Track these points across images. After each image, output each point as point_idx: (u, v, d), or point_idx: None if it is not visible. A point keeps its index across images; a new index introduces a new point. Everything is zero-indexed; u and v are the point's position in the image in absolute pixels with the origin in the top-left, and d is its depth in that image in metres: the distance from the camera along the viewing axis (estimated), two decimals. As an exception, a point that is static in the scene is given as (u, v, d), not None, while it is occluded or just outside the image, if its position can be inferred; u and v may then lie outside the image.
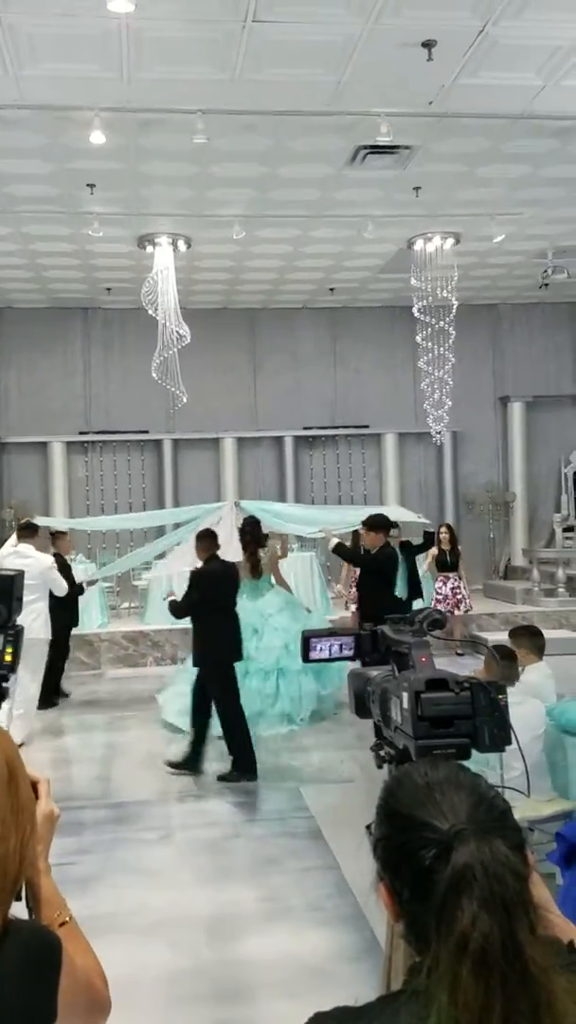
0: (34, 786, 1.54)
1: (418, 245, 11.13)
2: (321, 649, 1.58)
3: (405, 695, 1.37)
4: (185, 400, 11.29)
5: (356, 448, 14.77)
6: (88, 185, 8.95)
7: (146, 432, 14.23)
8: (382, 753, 1.53)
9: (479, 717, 1.37)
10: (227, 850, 5.34)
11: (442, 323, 11.33)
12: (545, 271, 12.31)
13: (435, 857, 1.04)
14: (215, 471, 14.38)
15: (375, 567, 7.40)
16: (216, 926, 4.42)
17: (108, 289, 13.09)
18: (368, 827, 1.28)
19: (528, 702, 4.78)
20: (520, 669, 5.31)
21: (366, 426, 14.64)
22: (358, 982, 4.06)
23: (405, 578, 9.74)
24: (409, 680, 1.38)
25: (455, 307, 11.20)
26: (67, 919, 1.43)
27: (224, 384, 14.36)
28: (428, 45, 5.28)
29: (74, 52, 5.68)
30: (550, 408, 15.06)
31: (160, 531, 13.26)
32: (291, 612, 8.22)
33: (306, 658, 1.64)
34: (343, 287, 13.48)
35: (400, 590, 8.89)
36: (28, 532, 7.89)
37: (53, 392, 14.16)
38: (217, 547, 6.80)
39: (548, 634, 12.31)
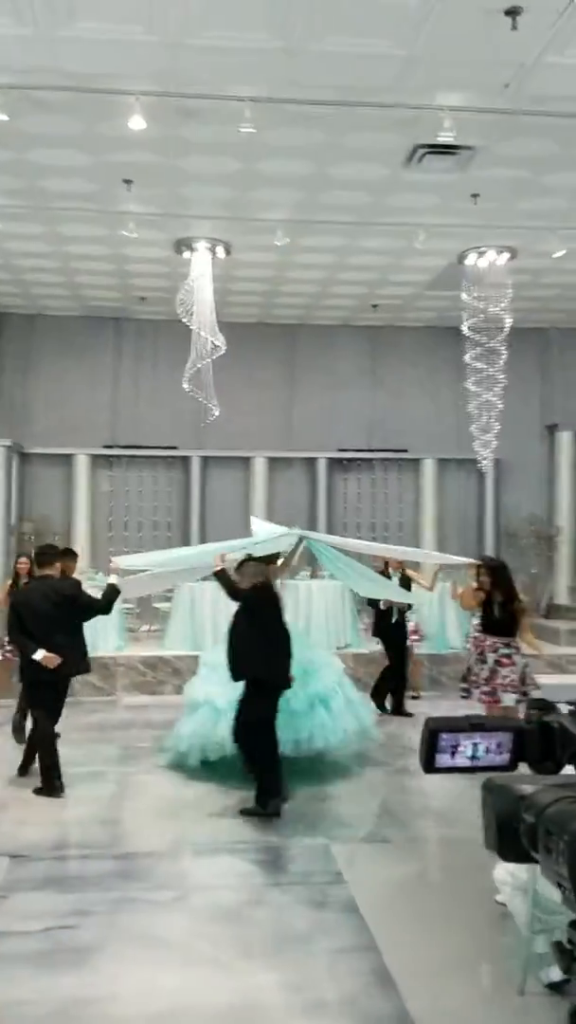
0: None
1: (470, 259, 10.52)
2: (456, 750, 0.93)
3: None
4: (217, 413, 10.70)
5: (392, 473, 14.09)
6: (125, 181, 8.45)
7: (174, 448, 13.67)
8: (569, 947, 0.86)
9: None
10: (247, 920, 4.62)
11: (493, 342, 10.67)
12: (603, 293, 11.63)
13: None
14: (244, 491, 13.75)
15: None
16: (233, 1021, 3.71)
17: (142, 298, 12.59)
18: None
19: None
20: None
21: (404, 450, 13.96)
22: None
23: None
24: None
25: (508, 325, 10.54)
26: None
27: (257, 401, 13.78)
28: (512, 13, 4.66)
29: (115, 10, 5.14)
30: (599, 439, 14.29)
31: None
32: None
33: (430, 764, 0.98)
34: (386, 304, 12.89)
35: None
36: None
37: (80, 403, 13.66)
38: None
39: (594, 679, 11.35)
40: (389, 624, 9.34)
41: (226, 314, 11.87)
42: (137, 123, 6.86)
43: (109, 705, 10.04)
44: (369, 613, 10.74)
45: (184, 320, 10.36)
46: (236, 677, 6.20)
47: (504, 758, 0.96)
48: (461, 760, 0.94)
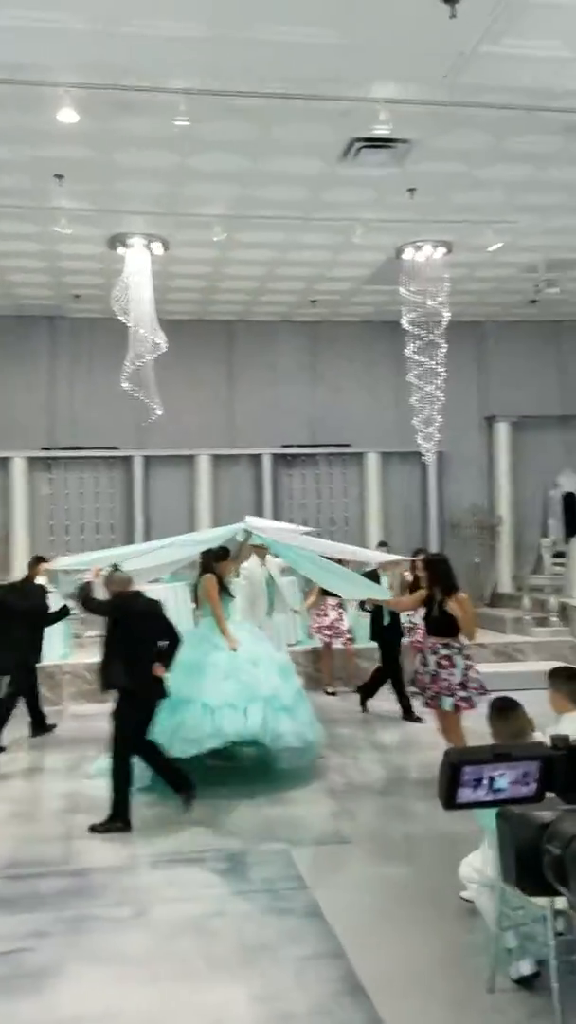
0: None
1: (407, 254, 10.54)
2: (479, 783, 0.85)
3: None
4: (159, 413, 10.52)
5: (337, 468, 14.08)
6: (56, 176, 8.21)
7: (115, 448, 13.42)
8: None
9: None
10: (211, 932, 4.51)
11: (432, 335, 10.71)
12: (537, 286, 11.78)
13: None
14: (189, 490, 13.59)
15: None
16: (202, 1040, 3.61)
17: (76, 296, 12.32)
18: None
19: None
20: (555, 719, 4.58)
21: (347, 445, 13.97)
22: None
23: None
24: None
25: (447, 318, 10.60)
26: None
27: (199, 399, 13.63)
28: (451, 0, 4.64)
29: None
30: (536, 429, 14.52)
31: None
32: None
33: (451, 801, 0.90)
34: (325, 299, 12.85)
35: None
36: None
37: (16, 405, 13.30)
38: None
39: (540, 666, 11.59)
40: (381, 626, 9.10)
41: (163, 311, 11.67)
42: (67, 116, 6.66)
43: (55, 715, 9.78)
44: (319, 610, 10.71)
45: (121, 318, 10.15)
46: (103, 688, 6.18)
47: (531, 788, 0.89)
48: (484, 793, 0.87)
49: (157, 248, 10.09)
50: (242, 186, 8.60)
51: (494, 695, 4.43)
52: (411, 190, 8.74)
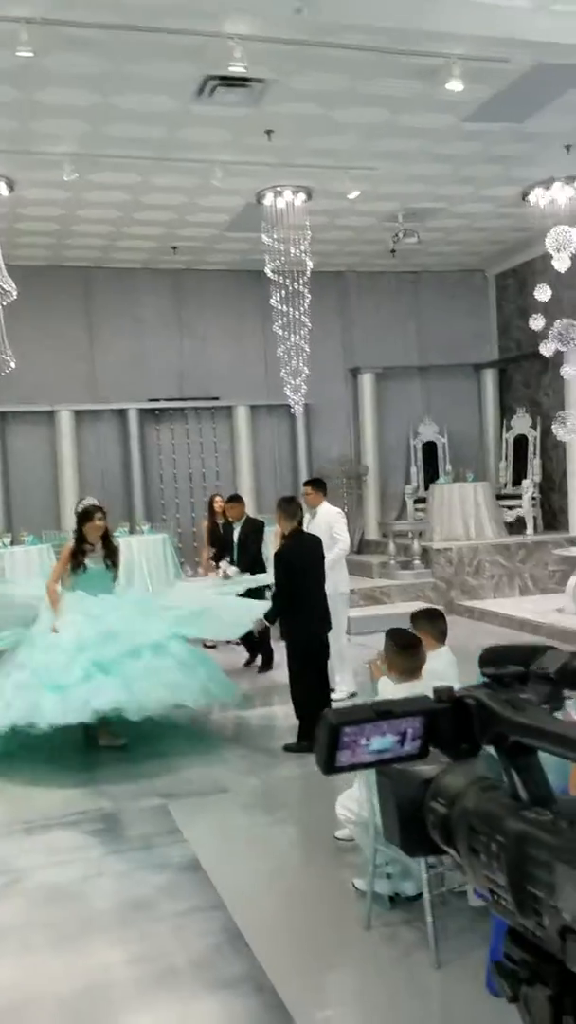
0: None
1: (268, 199, 10.35)
2: (361, 745, 0.79)
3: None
4: (13, 365, 9.99)
5: (206, 422, 13.87)
6: None
7: (-33, 405, 12.72)
8: (511, 966, 0.74)
9: None
10: (87, 895, 4.43)
11: (296, 285, 10.63)
12: (396, 235, 11.85)
13: None
14: (50, 449, 13.06)
15: None
16: (81, 1006, 3.53)
17: None
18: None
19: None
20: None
21: (216, 398, 13.77)
22: (266, 1063, 3.31)
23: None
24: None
25: (309, 268, 10.53)
26: None
27: (57, 351, 13.05)
28: None
29: None
30: (398, 379, 14.78)
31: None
32: None
33: (330, 764, 0.83)
34: (187, 246, 12.50)
35: None
36: None
37: None
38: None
39: (406, 607, 11.95)
40: None
41: (13, 256, 11.04)
42: None
43: None
44: (193, 565, 10.56)
45: (-33, 264, 9.52)
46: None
47: (414, 746, 0.83)
48: (366, 755, 0.81)
49: (3, 188, 9.49)
50: (91, 123, 8.16)
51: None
52: (268, 132, 8.55)
